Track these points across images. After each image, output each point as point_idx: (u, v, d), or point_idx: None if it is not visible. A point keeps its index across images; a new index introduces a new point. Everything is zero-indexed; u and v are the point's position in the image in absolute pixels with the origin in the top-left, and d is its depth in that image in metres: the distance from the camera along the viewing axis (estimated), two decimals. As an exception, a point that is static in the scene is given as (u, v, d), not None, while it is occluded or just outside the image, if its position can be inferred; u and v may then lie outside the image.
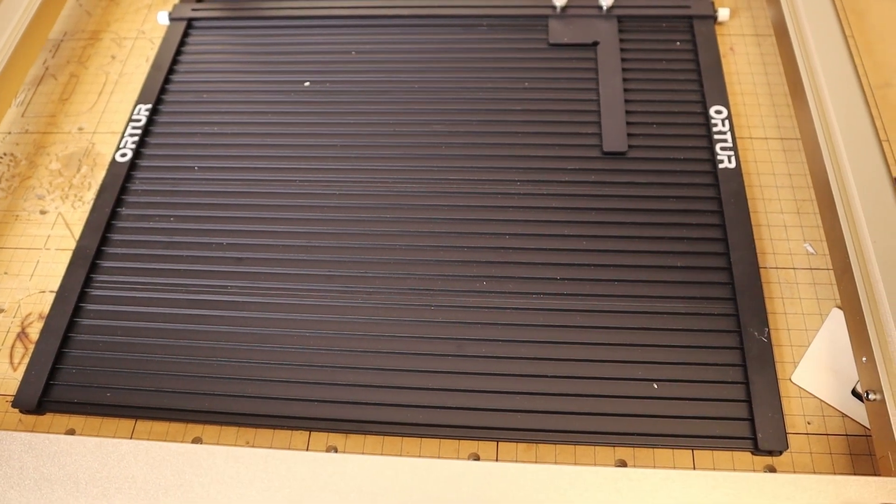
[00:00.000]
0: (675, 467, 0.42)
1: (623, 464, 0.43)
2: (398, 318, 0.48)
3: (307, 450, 0.44)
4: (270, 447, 0.44)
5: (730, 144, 0.55)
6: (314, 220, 0.53)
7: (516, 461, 0.43)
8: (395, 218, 0.53)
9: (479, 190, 0.54)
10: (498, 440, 0.44)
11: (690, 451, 0.43)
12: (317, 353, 0.47)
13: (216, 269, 0.51)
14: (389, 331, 0.48)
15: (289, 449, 0.44)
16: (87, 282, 0.51)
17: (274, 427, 0.45)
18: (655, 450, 0.43)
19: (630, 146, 0.55)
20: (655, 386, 0.45)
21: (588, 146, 0.56)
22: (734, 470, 0.42)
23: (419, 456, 0.44)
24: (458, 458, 0.43)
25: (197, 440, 0.45)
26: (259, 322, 0.49)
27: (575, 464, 0.43)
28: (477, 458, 0.43)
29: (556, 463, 0.42)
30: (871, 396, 0.41)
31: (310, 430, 0.45)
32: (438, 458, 0.43)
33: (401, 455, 0.44)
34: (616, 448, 0.44)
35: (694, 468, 0.43)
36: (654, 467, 0.42)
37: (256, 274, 0.51)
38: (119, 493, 0.37)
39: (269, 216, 0.54)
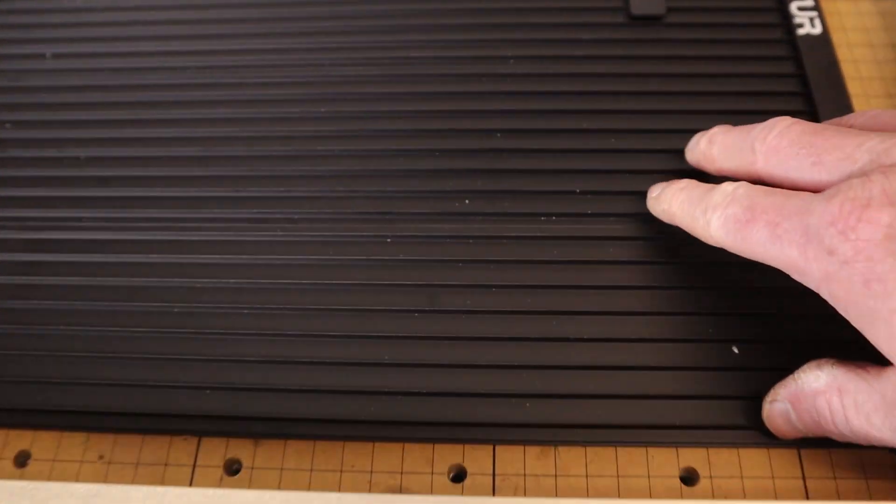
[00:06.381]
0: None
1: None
2: (337, 257, 0.32)
3: (193, 466, 0.28)
4: (136, 463, 0.28)
5: (811, 3, 0.38)
6: (214, 120, 0.36)
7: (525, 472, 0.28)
8: (334, 112, 0.36)
9: (457, 70, 0.37)
10: (494, 443, 0.28)
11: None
12: (212, 316, 0.31)
13: (67, 196, 0.34)
14: (323, 278, 0.31)
15: (164, 466, 0.28)
16: None
17: (143, 432, 0.29)
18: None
19: (669, 8, 0.39)
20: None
21: (610, 10, 0.39)
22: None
23: (369, 470, 0.28)
24: (431, 473, 0.27)
25: (22, 455, 0.29)
26: (126, 269, 0.32)
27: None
28: (461, 470, 0.28)
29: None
30: None
31: (199, 434, 0.29)
32: (401, 472, 0.27)
33: (341, 471, 0.28)
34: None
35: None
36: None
37: (126, 199, 0.34)
38: None
39: (149, 117, 0.37)
